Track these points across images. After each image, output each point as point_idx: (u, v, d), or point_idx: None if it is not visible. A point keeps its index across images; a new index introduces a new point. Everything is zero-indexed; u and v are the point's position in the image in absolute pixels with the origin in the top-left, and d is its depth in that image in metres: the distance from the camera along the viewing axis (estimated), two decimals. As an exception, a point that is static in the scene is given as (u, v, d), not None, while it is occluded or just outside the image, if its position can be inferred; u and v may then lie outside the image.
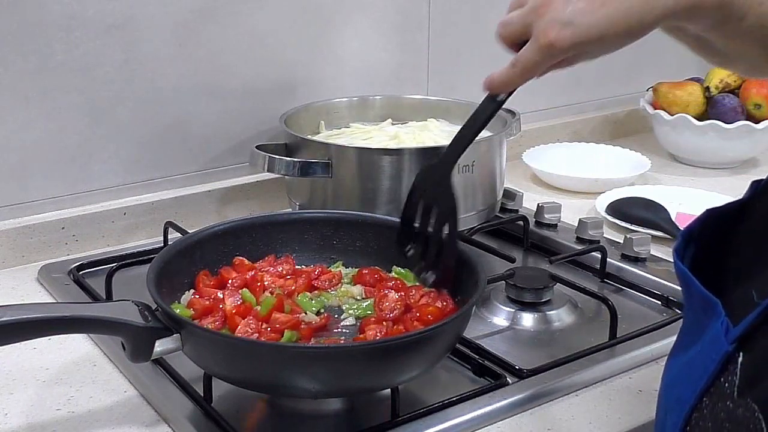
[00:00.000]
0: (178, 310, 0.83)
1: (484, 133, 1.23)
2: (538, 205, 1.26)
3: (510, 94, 0.80)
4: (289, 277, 0.92)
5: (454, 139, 0.86)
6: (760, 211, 0.62)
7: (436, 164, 0.87)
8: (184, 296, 0.88)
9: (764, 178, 0.63)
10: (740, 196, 0.65)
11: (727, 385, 0.53)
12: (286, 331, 0.80)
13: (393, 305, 0.85)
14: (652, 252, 1.14)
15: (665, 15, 0.68)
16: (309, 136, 1.22)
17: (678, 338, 0.64)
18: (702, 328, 0.58)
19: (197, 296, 0.87)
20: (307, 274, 0.93)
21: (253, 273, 0.91)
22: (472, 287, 0.82)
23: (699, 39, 0.75)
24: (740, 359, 0.53)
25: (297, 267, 0.95)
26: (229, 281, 0.89)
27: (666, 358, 0.78)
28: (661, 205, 1.30)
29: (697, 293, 0.58)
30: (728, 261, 0.62)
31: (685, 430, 0.56)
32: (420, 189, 0.88)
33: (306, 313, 0.85)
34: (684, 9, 0.68)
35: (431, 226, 0.86)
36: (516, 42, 0.74)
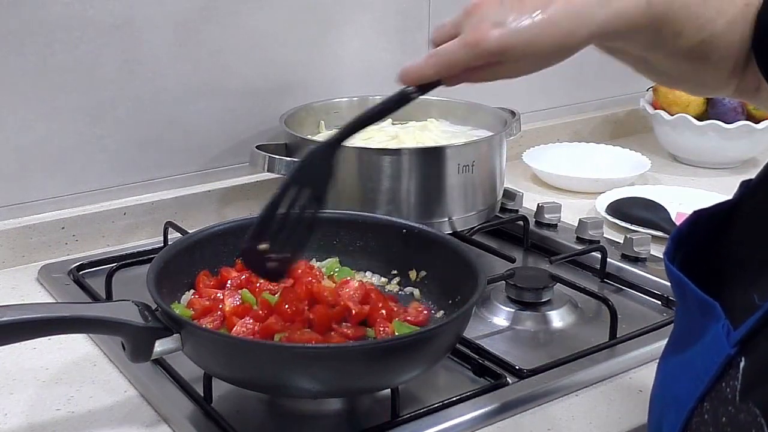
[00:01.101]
0: (178, 311, 0.83)
1: (485, 133, 1.24)
2: (538, 205, 1.26)
3: (422, 91, 0.76)
4: None
5: (347, 122, 0.79)
6: (751, 211, 0.61)
7: (319, 146, 0.78)
8: (184, 296, 0.88)
9: (753, 177, 0.63)
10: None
11: (728, 389, 0.53)
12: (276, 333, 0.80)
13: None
14: (652, 252, 1.14)
15: (596, 33, 0.67)
16: (309, 136, 1.22)
17: (671, 339, 0.64)
18: (700, 330, 0.57)
19: (197, 296, 0.87)
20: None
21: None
22: (472, 287, 0.82)
23: (641, 60, 0.74)
24: (742, 363, 0.52)
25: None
26: (228, 281, 0.89)
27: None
28: (661, 205, 1.30)
29: (693, 296, 0.58)
30: (720, 262, 0.62)
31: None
32: (296, 177, 0.77)
33: None
34: (615, 28, 0.68)
35: (295, 211, 0.76)
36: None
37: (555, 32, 0.66)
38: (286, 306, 0.82)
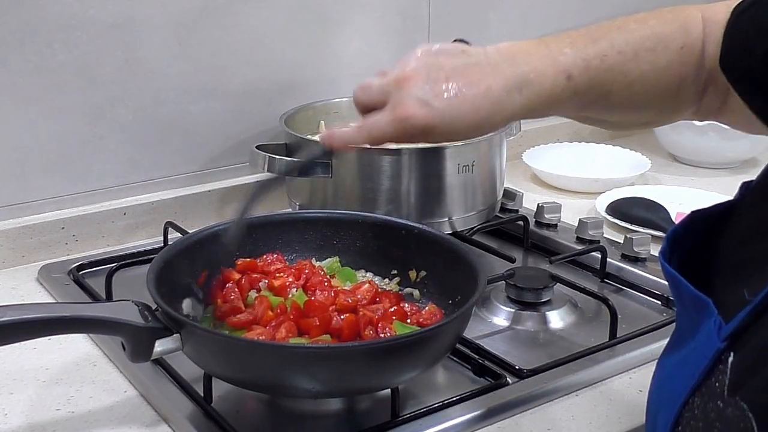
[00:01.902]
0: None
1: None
2: (538, 205, 1.26)
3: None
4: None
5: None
6: (750, 212, 0.62)
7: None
8: (185, 303, 0.88)
9: (754, 179, 0.63)
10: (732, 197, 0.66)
11: (717, 384, 0.53)
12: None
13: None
14: (652, 252, 1.14)
15: (515, 116, 0.72)
16: (309, 136, 1.22)
17: (670, 339, 0.65)
18: (695, 327, 0.58)
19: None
20: (299, 271, 0.92)
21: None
22: (472, 287, 0.82)
23: (579, 117, 0.78)
24: (731, 358, 0.53)
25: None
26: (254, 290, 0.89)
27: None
28: (661, 205, 1.30)
29: (688, 294, 0.59)
30: (716, 262, 0.62)
31: (676, 428, 0.56)
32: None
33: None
34: (536, 108, 0.72)
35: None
36: (369, 108, 0.74)
37: (475, 116, 0.70)
38: (316, 319, 0.82)
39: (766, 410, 0.49)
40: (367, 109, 0.74)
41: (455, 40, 0.75)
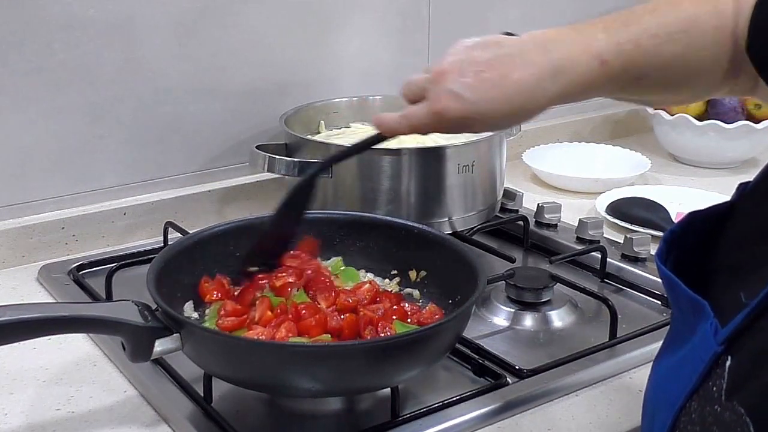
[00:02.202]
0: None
1: (485, 133, 1.24)
2: (538, 205, 1.26)
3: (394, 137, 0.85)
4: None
5: (333, 152, 0.93)
6: (747, 214, 0.62)
7: (306, 176, 0.92)
8: (186, 305, 0.88)
9: (751, 180, 0.63)
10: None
11: (714, 388, 0.53)
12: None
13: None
14: (652, 252, 1.14)
15: (551, 102, 0.74)
16: (309, 136, 1.22)
17: (665, 341, 0.65)
18: (691, 330, 0.58)
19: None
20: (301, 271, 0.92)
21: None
22: (472, 287, 0.82)
23: (615, 97, 0.79)
24: (728, 362, 0.53)
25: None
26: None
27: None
28: (661, 205, 1.30)
29: (684, 296, 0.59)
30: (713, 263, 0.62)
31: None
32: (286, 204, 0.90)
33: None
34: (571, 95, 0.74)
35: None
36: (415, 101, 0.79)
37: (508, 107, 0.73)
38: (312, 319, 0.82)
39: (763, 414, 0.49)
40: (412, 101, 0.79)
41: (503, 33, 0.77)
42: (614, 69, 0.72)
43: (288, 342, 0.79)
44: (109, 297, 1.01)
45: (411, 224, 0.96)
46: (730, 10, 0.72)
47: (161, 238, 1.14)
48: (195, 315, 0.88)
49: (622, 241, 1.15)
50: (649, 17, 0.74)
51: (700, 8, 0.74)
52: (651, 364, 0.90)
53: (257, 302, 0.85)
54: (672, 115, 1.55)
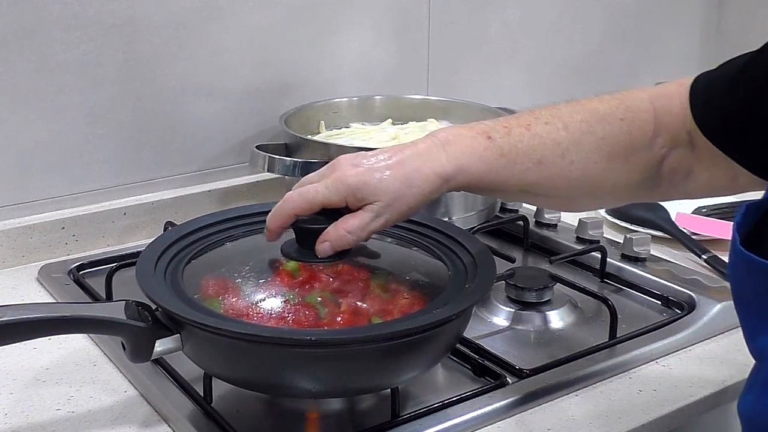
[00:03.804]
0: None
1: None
2: (538, 205, 1.26)
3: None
4: None
5: None
6: None
7: None
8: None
9: None
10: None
11: None
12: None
13: None
14: (652, 252, 1.14)
15: (444, 169, 0.77)
16: (309, 136, 1.22)
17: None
18: None
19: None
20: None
21: None
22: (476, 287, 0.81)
23: (530, 197, 0.85)
24: None
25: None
26: None
27: (676, 354, 0.92)
28: (661, 205, 1.30)
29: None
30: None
31: None
32: None
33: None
34: (463, 166, 0.77)
35: None
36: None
37: (402, 169, 0.77)
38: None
39: None
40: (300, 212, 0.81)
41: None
42: (504, 146, 0.78)
43: (287, 342, 0.79)
44: (109, 297, 1.01)
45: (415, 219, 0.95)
46: (646, 103, 0.81)
47: (161, 238, 1.14)
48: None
49: (622, 241, 1.14)
50: (544, 111, 0.82)
51: (602, 103, 0.84)
52: (651, 363, 0.91)
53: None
54: (672, 115, 1.55)
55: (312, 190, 0.78)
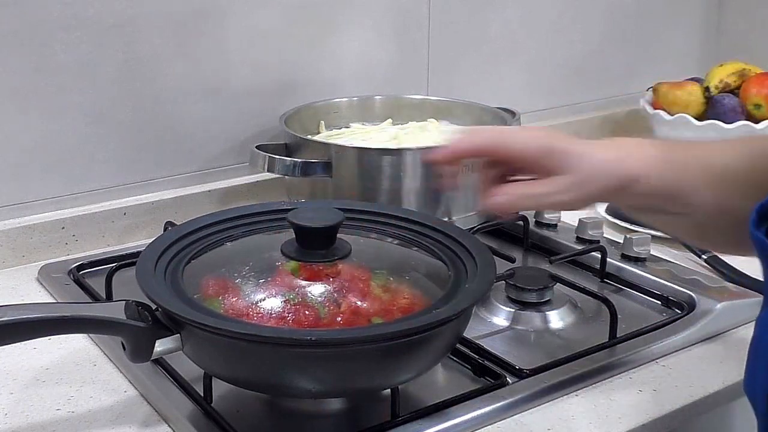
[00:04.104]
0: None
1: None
2: (538, 205, 1.25)
3: None
4: None
5: None
6: None
7: None
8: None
9: None
10: None
11: None
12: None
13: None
14: (652, 252, 1.14)
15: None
16: (309, 136, 1.22)
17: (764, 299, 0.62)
18: None
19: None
20: None
21: None
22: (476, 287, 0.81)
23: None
24: None
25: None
26: None
27: (676, 354, 0.92)
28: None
29: None
30: None
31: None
32: None
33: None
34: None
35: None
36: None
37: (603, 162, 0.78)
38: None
39: None
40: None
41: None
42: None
43: (287, 342, 0.79)
44: (109, 297, 1.01)
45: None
46: None
47: (161, 238, 1.14)
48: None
49: (622, 241, 1.14)
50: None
51: None
52: (651, 364, 0.91)
53: None
54: (672, 115, 1.55)
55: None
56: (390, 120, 1.33)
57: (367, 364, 0.74)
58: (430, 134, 1.25)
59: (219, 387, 0.81)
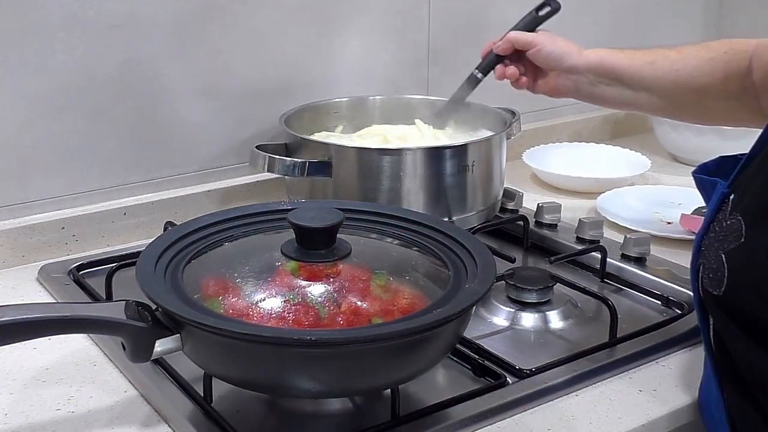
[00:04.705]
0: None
1: (485, 133, 1.24)
2: (538, 205, 1.26)
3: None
4: None
5: None
6: None
7: None
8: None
9: None
10: None
11: (722, 213, 0.76)
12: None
13: None
14: (652, 252, 1.14)
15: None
16: (309, 136, 1.22)
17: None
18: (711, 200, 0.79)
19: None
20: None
21: None
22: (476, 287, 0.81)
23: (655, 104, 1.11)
24: (731, 197, 0.76)
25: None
26: None
27: (676, 354, 0.94)
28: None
29: (709, 182, 0.80)
30: None
31: (701, 248, 0.78)
32: None
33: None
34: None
35: None
36: None
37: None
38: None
39: (750, 216, 0.72)
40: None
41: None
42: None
43: (287, 342, 0.79)
44: (109, 297, 1.01)
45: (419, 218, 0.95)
46: (747, 46, 1.00)
47: (161, 238, 1.14)
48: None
49: (622, 241, 1.15)
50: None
51: (713, 42, 1.06)
52: (651, 364, 0.92)
53: None
54: (672, 115, 1.55)
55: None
56: (392, 120, 1.32)
57: (367, 364, 0.74)
58: (429, 134, 1.25)
59: (219, 387, 0.81)
